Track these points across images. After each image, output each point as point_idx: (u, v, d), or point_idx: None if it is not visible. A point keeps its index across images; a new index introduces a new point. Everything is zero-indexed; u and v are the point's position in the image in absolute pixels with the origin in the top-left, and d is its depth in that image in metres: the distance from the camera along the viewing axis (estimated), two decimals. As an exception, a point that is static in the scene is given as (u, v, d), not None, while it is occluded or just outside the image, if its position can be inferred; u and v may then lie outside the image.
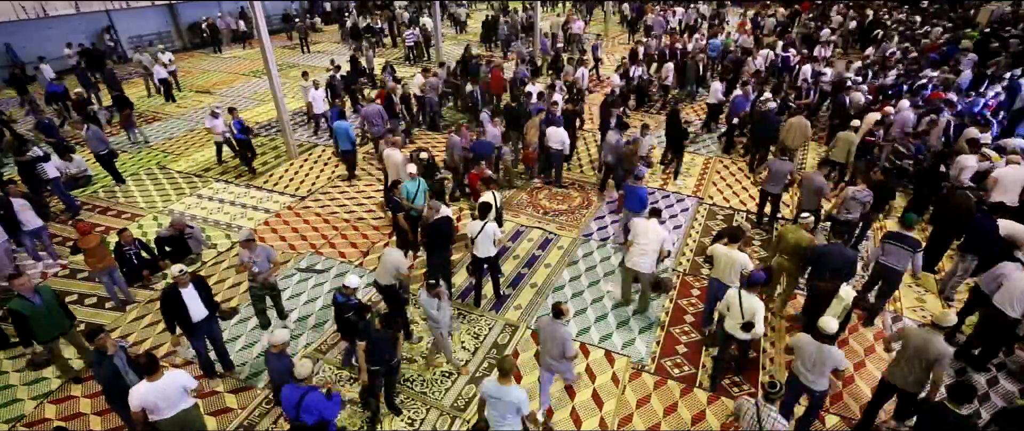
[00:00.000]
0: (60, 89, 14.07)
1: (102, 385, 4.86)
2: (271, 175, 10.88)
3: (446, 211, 6.87)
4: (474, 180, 8.09)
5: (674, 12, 22.76)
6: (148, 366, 4.36)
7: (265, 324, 6.69)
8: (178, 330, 5.56)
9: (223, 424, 5.47)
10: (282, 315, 6.82)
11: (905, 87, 12.55)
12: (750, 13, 23.01)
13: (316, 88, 12.35)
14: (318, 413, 4.27)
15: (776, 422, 4.09)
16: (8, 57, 17.25)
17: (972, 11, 22.23)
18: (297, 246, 8.45)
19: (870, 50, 16.74)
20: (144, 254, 7.62)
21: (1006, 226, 6.69)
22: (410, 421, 5.48)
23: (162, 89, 15.59)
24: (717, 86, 12.35)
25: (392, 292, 6.15)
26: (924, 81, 12.49)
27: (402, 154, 8.77)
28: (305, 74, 13.35)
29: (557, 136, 9.68)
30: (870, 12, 22.63)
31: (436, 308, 5.51)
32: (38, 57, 15.83)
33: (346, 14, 24.42)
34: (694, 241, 8.53)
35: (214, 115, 10.70)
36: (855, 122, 9.54)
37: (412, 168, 7.95)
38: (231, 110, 11.00)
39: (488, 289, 7.17)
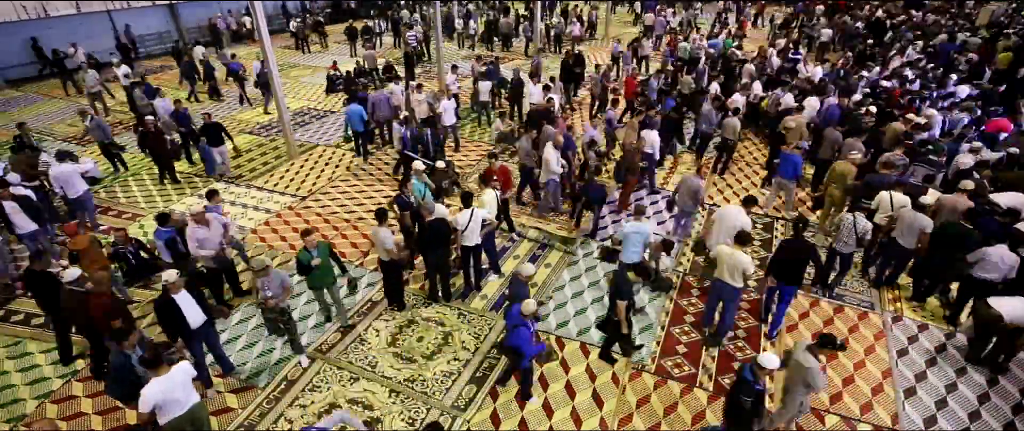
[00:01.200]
0: (238, 67, 15.20)
1: (110, 374, 4.86)
2: (271, 175, 10.89)
3: (442, 212, 6.90)
4: (490, 174, 8.08)
5: (675, 13, 22.83)
6: (152, 360, 4.36)
7: (281, 334, 6.38)
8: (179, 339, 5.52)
9: (223, 424, 5.47)
10: (297, 349, 6.17)
11: (935, 94, 12.33)
12: (751, 12, 23.04)
13: (447, 99, 11.75)
14: (518, 344, 5.11)
15: (864, 222, 6.66)
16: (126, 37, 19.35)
17: (973, 12, 22.22)
18: (298, 246, 8.44)
19: (896, 57, 16.16)
20: (143, 254, 7.63)
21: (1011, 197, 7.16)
22: (410, 421, 5.48)
23: (261, 89, 14.52)
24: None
25: (392, 267, 6.65)
26: (951, 90, 12.37)
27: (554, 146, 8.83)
28: (420, 86, 12.87)
29: (650, 139, 9.44)
30: (882, 13, 22.51)
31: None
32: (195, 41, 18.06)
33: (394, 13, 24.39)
34: (694, 241, 8.52)
35: (404, 122, 10.13)
36: (910, 115, 10.02)
37: (418, 165, 8.00)
38: (406, 120, 10.32)
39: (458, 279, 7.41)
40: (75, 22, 17.99)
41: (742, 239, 5.92)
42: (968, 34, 18.15)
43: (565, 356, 6.28)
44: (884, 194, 7.32)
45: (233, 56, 16.37)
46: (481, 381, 5.95)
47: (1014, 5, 21.49)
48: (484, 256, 7.51)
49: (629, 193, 9.38)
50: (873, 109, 10.72)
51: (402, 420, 5.49)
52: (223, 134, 10.45)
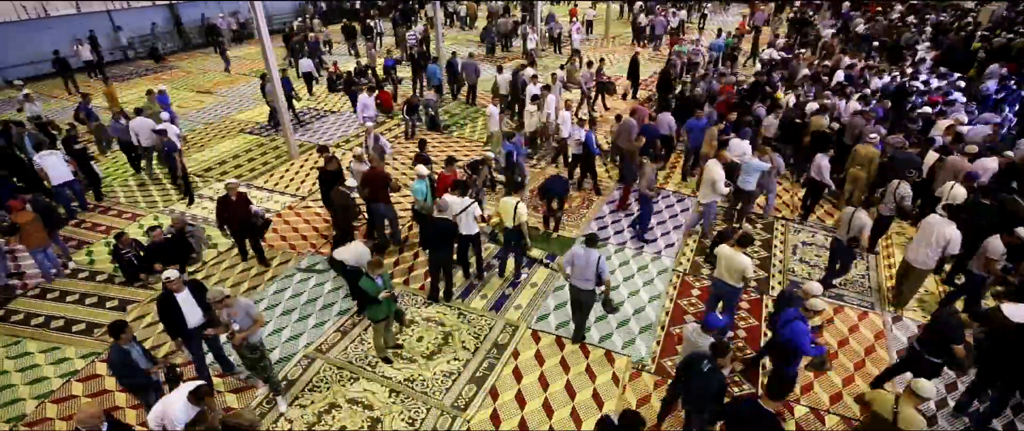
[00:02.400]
0: (392, 63, 15.74)
1: (112, 369, 4.89)
2: (271, 175, 10.89)
3: (455, 208, 6.89)
4: (445, 182, 7.75)
5: (675, 14, 22.78)
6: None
7: (266, 379, 5.62)
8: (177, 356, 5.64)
9: (223, 424, 5.47)
10: (276, 389, 5.60)
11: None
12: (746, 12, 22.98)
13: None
14: (790, 339, 4.84)
15: (905, 187, 7.52)
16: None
17: (973, 13, 22.18)
18: (297, 246, 8.46)
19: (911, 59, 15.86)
20: (142, 255, 7.63)
21: None
22: (410, 421, 5.48)
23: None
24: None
25: (354, 273, 6.41)
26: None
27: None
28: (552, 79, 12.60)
29: (738, 148, 8.86)
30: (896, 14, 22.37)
31: None
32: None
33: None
34: (694, 241, 8.53)
35: (591, 124, 9.73)
36: (943, 122, 9.98)
37: (421, 169, 7.95)
38: (593, 122, 9.90)
39: (459, 277, 7.46)
40: (75, 22, 17.99)
41: (743, 240, 5.91)
42: (988, 33, 17.90)
43: (565, 356, 6.29)
44: (948, 184, 7.70)
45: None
46: (481, 381, 5.95)
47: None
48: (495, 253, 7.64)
49: (629, 193, 9.38)
50: (929, 110, 10.67)
51: (402, 420, 5.49)
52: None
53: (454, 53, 15.40)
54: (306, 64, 15.98)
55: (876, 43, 18.73)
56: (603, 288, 5.97)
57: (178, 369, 5.42)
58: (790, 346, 4.95)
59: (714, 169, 7.72)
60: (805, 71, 14.00)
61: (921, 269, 6.58)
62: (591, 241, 5.85)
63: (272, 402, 5.68)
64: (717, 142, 9.43)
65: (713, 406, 4.55)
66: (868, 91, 11.98)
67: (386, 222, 8.07)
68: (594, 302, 6.16)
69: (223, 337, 5.61)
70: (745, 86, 12.96)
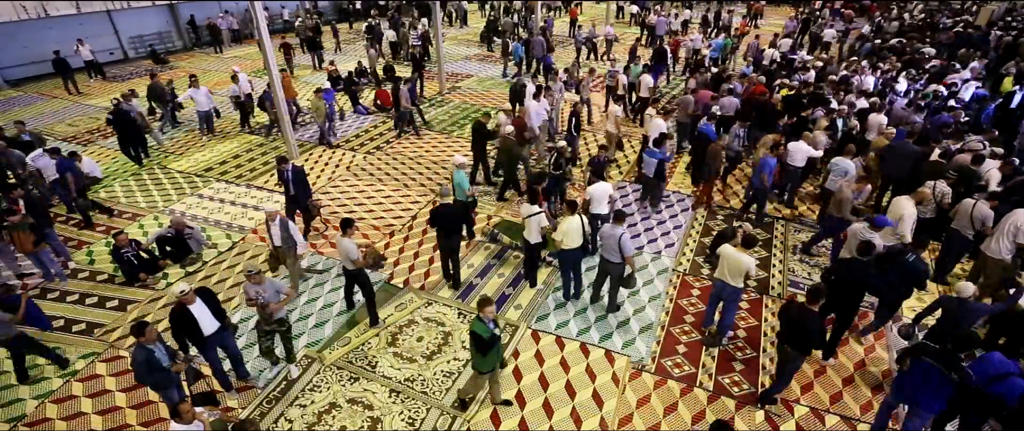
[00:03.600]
0: (550, 62, 15.73)
1: (136, 369, 4.90)
2: (272, 175, 10.88)
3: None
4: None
5: (677, 15, 22.76)
6: (182, 408, 4.33)
7: (275, 362, 6.14)
8: (192, 350, 5.60)
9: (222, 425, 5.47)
10: (291, 358, 6.12)
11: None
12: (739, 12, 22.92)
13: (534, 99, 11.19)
14: (1008, 397, 4.14)
15: (944, 187, 7.43)
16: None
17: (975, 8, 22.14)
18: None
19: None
20: (142, 255, 7.64)
21: None
22: (410, 421, 5.48)
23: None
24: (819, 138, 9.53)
25: (358, 274, 6.46)
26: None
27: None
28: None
29: (800, 150, 8.72)
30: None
31: None
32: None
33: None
34: (694, 241, 8.53)
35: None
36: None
37: (459, 158, 8.10)
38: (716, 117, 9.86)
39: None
40: (75, 22, 17.96)
41: (747, 241, 5.90)
42: (1003, 34, 17.63)
43: (565, 356, 6.29)
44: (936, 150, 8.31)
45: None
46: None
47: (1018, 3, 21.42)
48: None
49: (706, 193, 9.38)
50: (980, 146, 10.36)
51: (402, 420, 5.49)
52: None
53: (531, 32, 18.30)
54: (392, 34, 19.12)
55: (879, 42, 18.67)
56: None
57: (197, 367, 5.57)
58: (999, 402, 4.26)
59: (905, 208, 6.93)
60: (844, 73, 13.84)
61: (996, 259, 6.61)
62: (618, 218, 6.33)
63: (272, 402, 5.70)
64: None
65: (914, 286, 5.68)
66: (900, 94, 11.94)
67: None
68: (622, 273, 6.49)
69: (240, 343, 5.73)
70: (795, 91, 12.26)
